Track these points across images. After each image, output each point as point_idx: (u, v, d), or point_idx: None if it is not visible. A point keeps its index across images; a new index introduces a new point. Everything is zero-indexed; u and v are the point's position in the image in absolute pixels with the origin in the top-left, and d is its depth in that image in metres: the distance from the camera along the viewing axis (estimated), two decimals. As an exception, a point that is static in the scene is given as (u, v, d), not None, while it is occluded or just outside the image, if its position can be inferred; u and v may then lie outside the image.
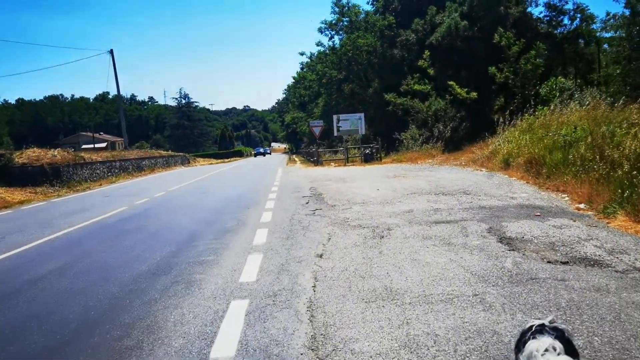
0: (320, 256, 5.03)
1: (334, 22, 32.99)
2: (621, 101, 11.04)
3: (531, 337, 1.76)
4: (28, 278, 5.24)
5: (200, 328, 3.36)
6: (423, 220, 6.51)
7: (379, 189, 10.27)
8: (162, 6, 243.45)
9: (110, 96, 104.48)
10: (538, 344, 1.68)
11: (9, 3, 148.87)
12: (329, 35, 33.99)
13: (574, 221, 5.78)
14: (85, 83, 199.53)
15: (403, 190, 9.76)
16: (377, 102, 28.67)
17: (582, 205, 6.68)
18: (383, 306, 3.47)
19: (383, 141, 24.47)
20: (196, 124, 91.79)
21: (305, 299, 3.77)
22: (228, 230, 7.02)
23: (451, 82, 23.42)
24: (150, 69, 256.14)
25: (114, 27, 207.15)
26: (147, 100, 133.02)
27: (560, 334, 1.74)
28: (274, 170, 23.10)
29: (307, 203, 9.14)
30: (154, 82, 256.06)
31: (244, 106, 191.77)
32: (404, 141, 23.42)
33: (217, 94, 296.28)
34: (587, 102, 12.52)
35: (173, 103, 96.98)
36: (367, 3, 35.70)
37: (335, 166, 22.89)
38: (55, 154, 20.80)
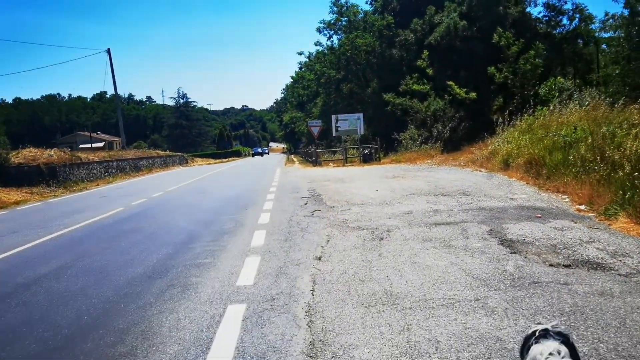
0: (319, 259, 4.95)
1: (332, 21, 32.98)
2: (621, 101, 11.01)
3: (534, 341, 1.72)
4: (21, 281, 5.15)
5: (196, 334, 3.28)
6: (423, 221, 6.44)
7: (378, 190, 10.20)
8: (160, 5, 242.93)
9: (107, 95, 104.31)
10: (542, 348, 1.65)
11: (6, 2, 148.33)
12: (328, 35, 34.01)
13: (575, 223, 5.72)
14: (82, 82, 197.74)
15: (402, 191, 9.69)
16: (375, 102, 28.62)
17: (582, 207, 6.63)
18: (383, 311, 3.40)
19: (382, 141, 24.38)
20: (194, 123, 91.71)
21: (304, 303, 3.69)
22: (226, 232, 6.94)
23: (450, 82, 23.39)
24: (148, 68, 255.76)
25: (111, 26, 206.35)
26: (145, 99, 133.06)
27: (565, 339, 1.69)
28: (272, 171, 23.00)
29: (305, 204, 9.06)
30: (151, 82, 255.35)
31: (242, 106, 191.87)
32: (403, 141, 23.34)
33: (215, 94, 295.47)
34: (587, 103, 12.48)
35: (171, 102, 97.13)
36: (366, 3, 35.66)
37: (334, 166, 22.81)
38: (51, 154, 20.70)
